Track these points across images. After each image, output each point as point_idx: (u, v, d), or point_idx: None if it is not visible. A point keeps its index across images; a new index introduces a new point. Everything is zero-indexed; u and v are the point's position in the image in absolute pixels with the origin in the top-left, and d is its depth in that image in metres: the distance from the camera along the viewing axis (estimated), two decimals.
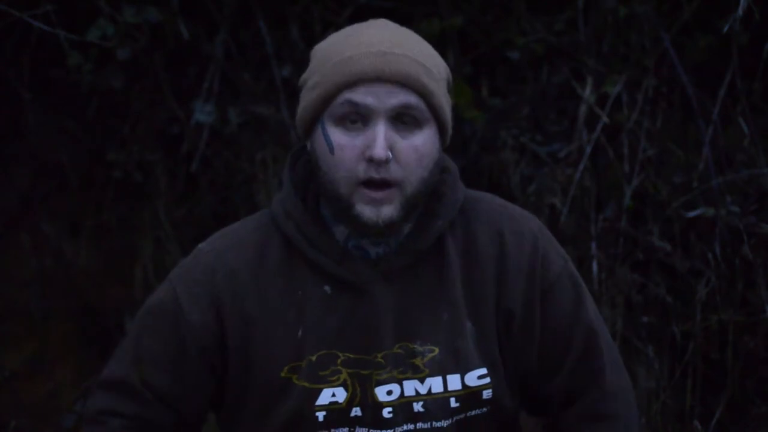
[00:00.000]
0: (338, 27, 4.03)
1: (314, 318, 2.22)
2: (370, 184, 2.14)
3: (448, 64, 3.92)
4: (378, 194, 2.15)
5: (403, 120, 2.15)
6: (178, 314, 2.23)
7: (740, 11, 3.40)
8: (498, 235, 2.27)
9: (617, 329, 3.69)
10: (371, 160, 2.13)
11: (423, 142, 2.17)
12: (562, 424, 2.31)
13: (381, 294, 2.21)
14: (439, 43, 3.96)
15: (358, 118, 2.14)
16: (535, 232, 2.30)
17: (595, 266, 3.73)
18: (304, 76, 2.23)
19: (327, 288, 2.22)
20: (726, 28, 3.49)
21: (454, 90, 3.88)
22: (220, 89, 4.06)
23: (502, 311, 2.24)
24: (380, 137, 2.12)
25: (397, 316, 2.22)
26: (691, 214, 3.69)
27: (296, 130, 2.26)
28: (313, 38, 4.03)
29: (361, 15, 3.93)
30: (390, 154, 2.13)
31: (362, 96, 2.13)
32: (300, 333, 2.21)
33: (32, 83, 4.01)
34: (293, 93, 4.05)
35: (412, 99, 2.15)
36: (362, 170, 2.14)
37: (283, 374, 2.21)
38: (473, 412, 2.24)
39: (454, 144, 4.02)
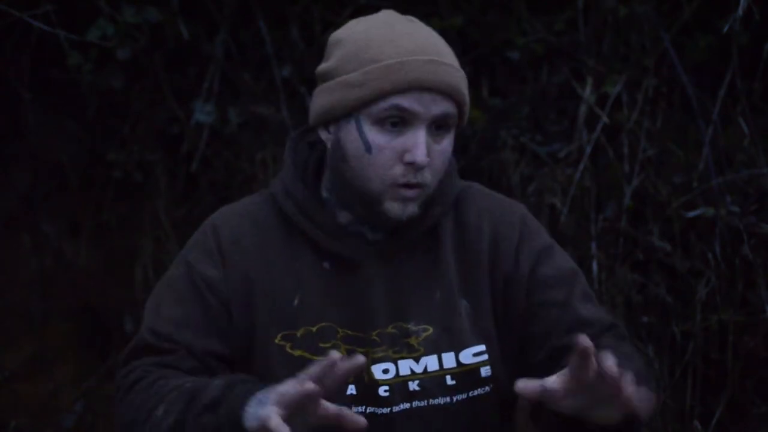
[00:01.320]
0: (338, 27, 4.04)
1: (312, 290, 2.26)
2: (406, 185, 2.20)
3: None
4: (410, 193, 2.21)
5: (438, 125, 2.21)
6: (194, 275, 2.27)
7: (740, 11, 3.40)
8: (488, 215, 2.33)
9: None
10: (411, 164, 2.18)
11: (448, 144, 2.25)
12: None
13: (376, 274, 2.26)
14: None
15: (400, 121, 2.18)
16: (522, 210, 2.38)
17: (595, 266, 3.73)
18: (332, 66, 2.24)
19: (326, 264, 2.25)
20: (726, 28, 3.50)
21: None
22: (220, 89, 4.06)
23: (497, 281, 2.28)
24: (422, 143, 2.18)
25: (390, 297, 2.26)
26: (691, 214, 3.69)
27: (309, 117, 2.26)
28: (313, 38, 4.03)
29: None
30: (428, 159, 2.19)
31: (410, 102, 2.18)
32: (296, 302, 2.24)
33: (32, 83, 4.01)
34: (293, 93, 4.05)
35: (451, 108, 2.21)
36: (399, 173, 2.19)
37: (277, 341, 2.24)
38: (476, 392, 2.25)
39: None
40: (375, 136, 2.19)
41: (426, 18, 3.93)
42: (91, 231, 4.12)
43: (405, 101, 2.17)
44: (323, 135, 2.26)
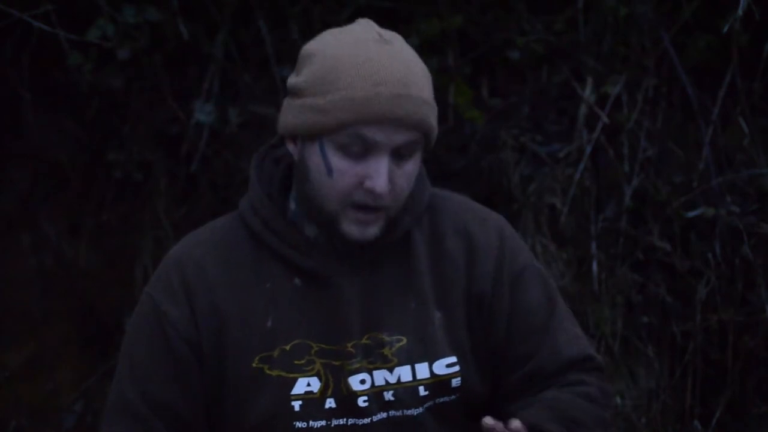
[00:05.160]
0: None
1: (285, 309, 2.25)
2: (362, 208, 2.19)
3: (448, 64, 3.97)
4: (368, 217, 2.21)
5: (401, 152, 2.20)
6: (160, 317, 2.26)
7: (740, 11, 3.40)
8: (464, 227, 2.33)
9: (617, 329, 3.69)
10: (370, 191, 2.17)
11: (413, 166, 2.23)
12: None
13: (348, 285, 2.25)
14: (439, 43, 3.96)
15: (362, 148, 2.17)
16: (501, 224, 2.36)
17: (595, 266, 3.73)
18: (300, 83, 2.23)
19: (297, 280, 2.25)
20: (726, 28, 3.50)
21: (454, 90, 3.91)
22: (220, 89, 4.06)
23: (474, 297, 2.29)
24: (383, 172, 2.17)
25: (364, 307, 2.25)
26: (691, 214, 3.69)
27: (277, 127, 2.27)
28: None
29: (361, 15, 3.92)
30: (389, 186, 2.18)
31: (373, 133, 2.16)
32: (269, 323, 2.24)
33: (32, 83, 4.01)
34: None
35: (416, 137, 2.20)
36: (358, 196, 2.19)
37: (254, 364, 2.24)
38: (441, 399, 2.26)
39: (454, 144, 4.03)
40: (337, 160, 2.18)
41: (426, 18, 3.95)
42: (91, 231, 4.12)
43: (368, 131, 2.16)
44: (290, 147, 2.26)
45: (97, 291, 4.09)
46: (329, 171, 2.18)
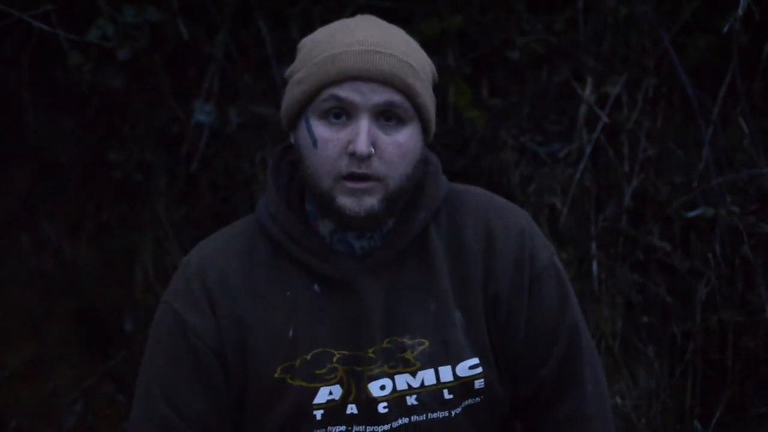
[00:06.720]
0: None
1: (305, 317, 2.24)
2: (351, 177, 2.17)
3: (448, 64, 3.97)
4: (359, 185, 2.18)
5: (386, 117, 2.19)
6: (184, 326, 2.24)
7: (740, 11, 3.40)
8: (485, 225, 2.30)
9: (617, 329, 3.69)
10: (353, 155, 2.16)
11: (406, 138, 2.20)
12: (543, 427, 2.32)
13: (369, 289, 2.23)
14: (439, 43, 3.96)
15: (342, 112, 2.18)
16: (523, 223, 2.33)
17: (595, 266, 3.73)
18: (291, 69, 2.29)
19: (316, 287, 2.24)
20: (726, 28, 3.50)
21: (454, 90, 3.91)
22: (220, 89, 4.06)
23: (489, 298, 2.26)
24: (363, 132, 2.16)
25: (385, 311, 2.24)
26: (691, 214, 3.69)
27: (281, 124, 2.28)
28: None
29: (361, 15, 3.93)
30: (372, 149, 2.16)
31: (346, 92, 2.17)
32: (291, 333, 2.23)
33: (32, 83, 4.01)
34: None
35: (396, 97, 2.19)
36: (344, 165, 2.18)
37: (276, 375, 2.23)
38: (467, 402, 2.25)
39: (454, 144, 4.03)
40: (321, 130, 2.18)
41: (426, 18, 3.95)
42: (91, 231, 4.12)
43: (341, 91, 2.17)
44: (291, 139, 2.26)
45: (97, 291, 4.09)
46: (314, 142, 2.18)
